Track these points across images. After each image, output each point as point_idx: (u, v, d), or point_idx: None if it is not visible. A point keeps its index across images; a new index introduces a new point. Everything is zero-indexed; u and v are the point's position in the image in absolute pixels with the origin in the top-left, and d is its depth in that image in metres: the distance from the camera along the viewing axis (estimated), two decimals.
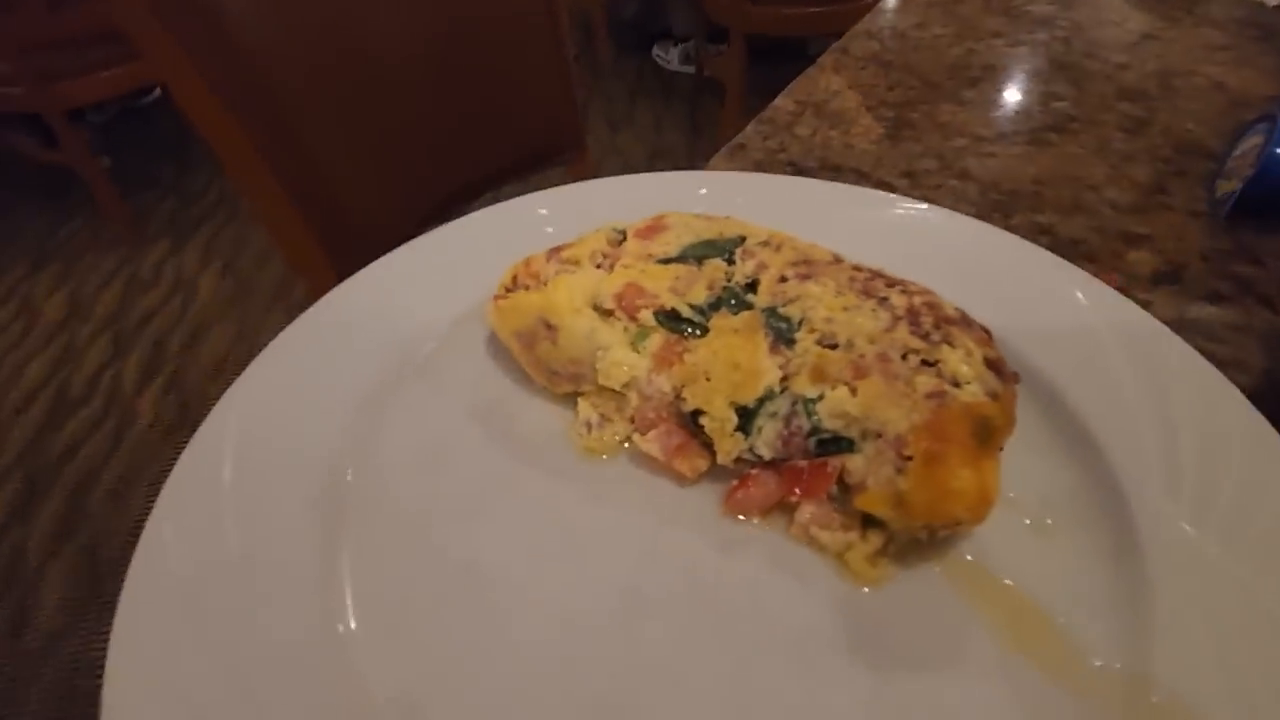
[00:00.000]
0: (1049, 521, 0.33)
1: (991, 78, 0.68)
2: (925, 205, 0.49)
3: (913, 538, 0.32)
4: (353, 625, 0.30)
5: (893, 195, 0.51)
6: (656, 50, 3.02)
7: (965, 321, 0.34)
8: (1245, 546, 0.30)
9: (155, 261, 2.25)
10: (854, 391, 0.32)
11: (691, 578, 0.32)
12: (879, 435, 0.31)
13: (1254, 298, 0.45)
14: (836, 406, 0.32)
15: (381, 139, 0.85)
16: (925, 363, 0.32)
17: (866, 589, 0.31)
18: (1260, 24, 0.76)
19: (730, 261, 0.39)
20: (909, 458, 0.30)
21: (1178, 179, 0.50)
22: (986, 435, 0.30)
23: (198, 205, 2.46)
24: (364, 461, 0.36)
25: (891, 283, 0.36)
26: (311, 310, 0.42)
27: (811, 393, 0.32)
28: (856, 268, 0.37)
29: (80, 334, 1.98)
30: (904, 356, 0.32)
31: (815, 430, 0.32)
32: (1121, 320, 0.40)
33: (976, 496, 0.29)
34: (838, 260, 0.38)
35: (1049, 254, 0.44)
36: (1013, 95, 0.65)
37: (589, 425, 0.38)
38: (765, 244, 0.40)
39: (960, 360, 0.31)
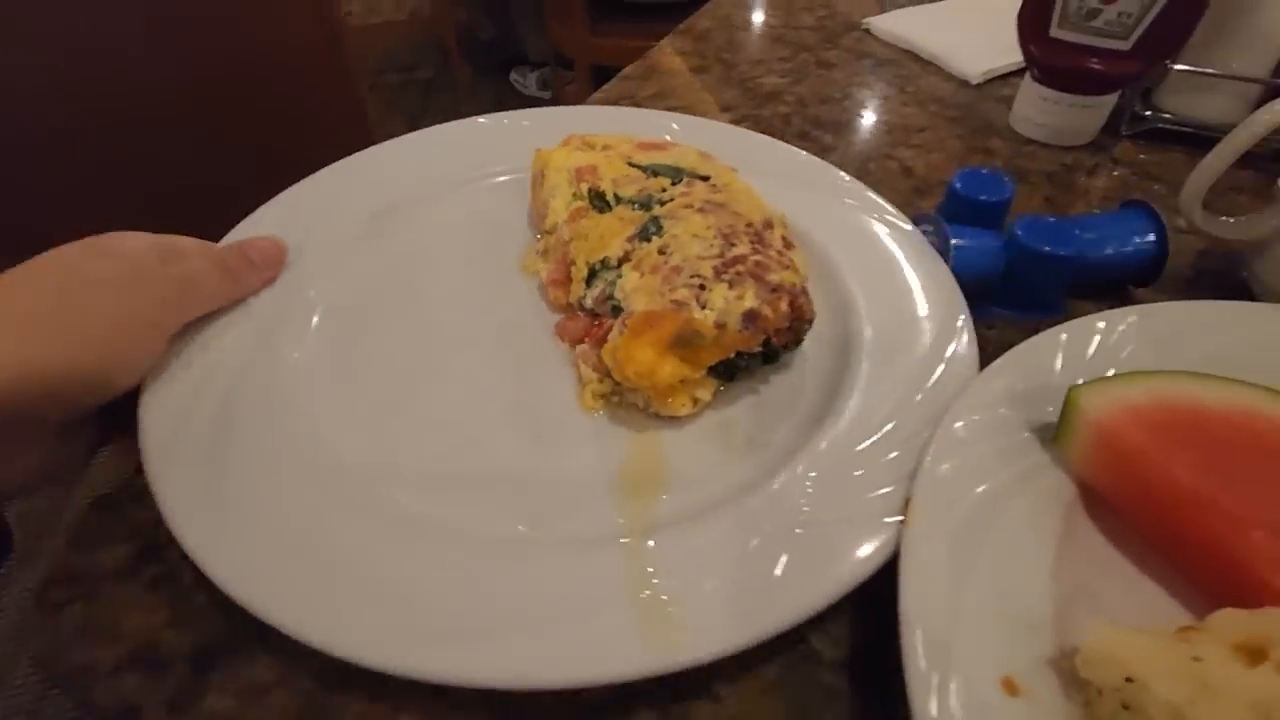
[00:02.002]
0: (736, 446, 0.37)
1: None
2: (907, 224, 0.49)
3: (633, 402, 0.38)
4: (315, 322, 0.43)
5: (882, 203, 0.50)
6: (514, 75, 2.79)
7: (778, 289, 0.38)
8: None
9: None
10: (640, 278, 0.40)
11: (511, 349, 0.43)
12: (630, 310, 0.39)
13: None
14: (625, 284, 0.40)
15: (139, 189, 0.61)
16: (701, 287, 0.38)
17: (588, 412, 0.39)
18: (959, 103, 0.68)
19: (675, 183, 0.47)
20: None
21: None
22: (687, 344, 0.37)
23: None
24: (408, 204, 0.50)
25: (757, 240, 0.41)
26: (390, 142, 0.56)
27: (625, 273, 0.41)
28: (750, 224, 0.42)
29: None
30: (692, 277, 0.38)
31: (610, 296, 0.41)
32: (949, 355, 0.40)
33: (647, 371, 0.36)
34: (750, 217, 0.43)
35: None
36: None
37: (535, 251, 0.49)
38: (713, 184, 0.46)
39: (723, 297, 0.37)
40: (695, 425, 0.39)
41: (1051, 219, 0.45)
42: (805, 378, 0.42)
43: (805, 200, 0.50)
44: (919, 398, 0.38)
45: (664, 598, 0.30)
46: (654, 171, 0.48)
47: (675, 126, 0.58)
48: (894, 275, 0.45)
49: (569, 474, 0.37)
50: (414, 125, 0.56)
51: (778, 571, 0.31)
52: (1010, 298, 0.46)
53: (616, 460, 0.37)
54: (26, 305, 0.32)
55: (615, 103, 0.69)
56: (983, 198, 0.47)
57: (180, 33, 0.65)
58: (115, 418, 0.36)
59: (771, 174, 0.51)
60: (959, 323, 0.41)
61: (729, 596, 0.30)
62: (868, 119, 0.67)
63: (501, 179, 0.54)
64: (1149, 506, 0.32)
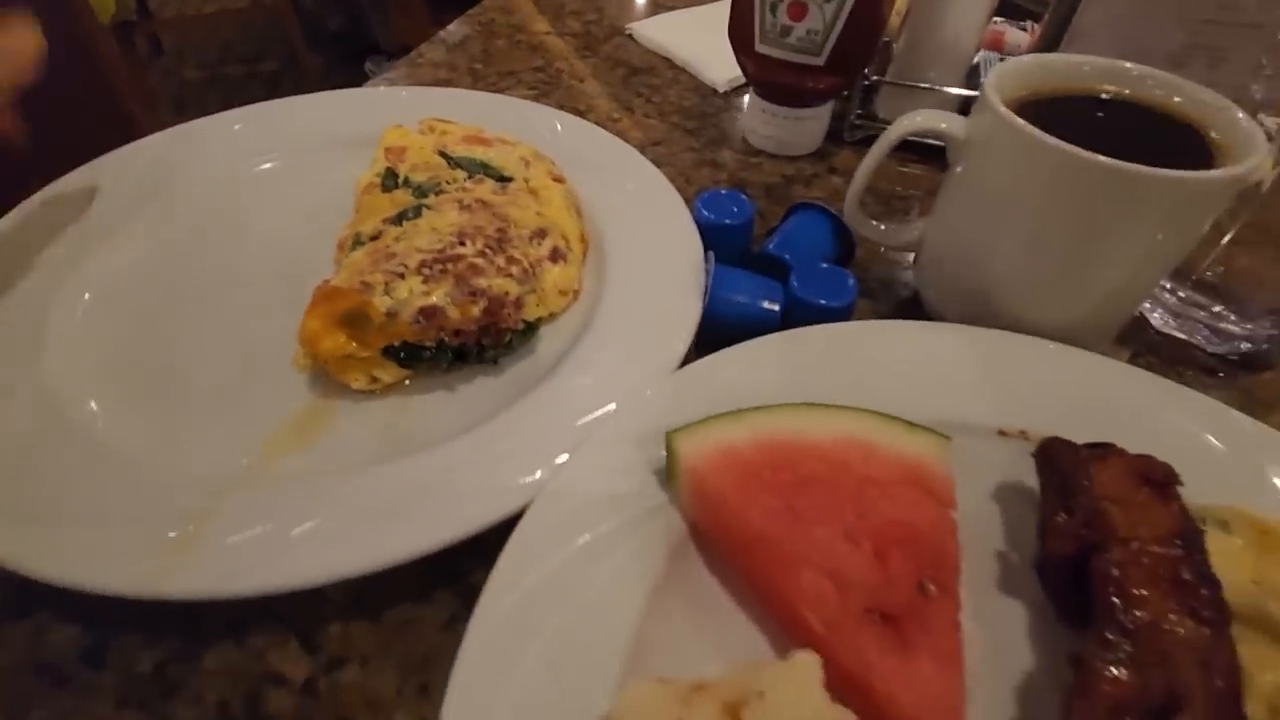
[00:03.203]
0: (396, 430, 0.36)
1: None
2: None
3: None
4: None
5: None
6: (369, 64, 2.47)
7: (478, 294, 0.37)
8: None
9: None
10: (361, 257, 0.39)
11: (279, 296, 0.42)
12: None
13: None
14: (350, 259, 0.39)
15: None
16: (400, 276, 0.36)
17: (296, 368, 0.39)
18: (701, 113, 0.64)
19: (470, 178, 0.45)
20: None
21: None
22: (358, 324, 0.36)
23: None
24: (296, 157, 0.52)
25: (496, 246, 0.40)
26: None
27: (358, 249, 0.40)
28: (503, 229, 0.41)
29: None
30: (400, 265, 0.37)
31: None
32: None
33: (312, 339, 0.36)
34: (516, 223, 0.42)
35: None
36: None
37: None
38: (507, 186, 0.45)
39: (409, 289, 0.36)
40: (378, 404, 0.37)
41: (824, 265, 0.42)
42: (508, 384, 0.38)
43: (635, 218, 0.47)
44: (587, 423, 0.34)
45: (194, 530, 0.30)
46: (457, 164, 0.46)
47: (558, 126, 0.55)
48: (649, 308, 0.40)
49: (241, 410, 0.36)
50: None
51: (302, 551, 0.29)
52: None
53: (289, 411, 0.36)
54: None
55: None
56: (727, 221, 0.44)
57: None
58: None
59: (618, 188, 0.49)
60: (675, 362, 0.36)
61: (247, 557, 0.29)
62: (610, 129, 0.59)
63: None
64: (733, 549, 0.30)
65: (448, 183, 0.44)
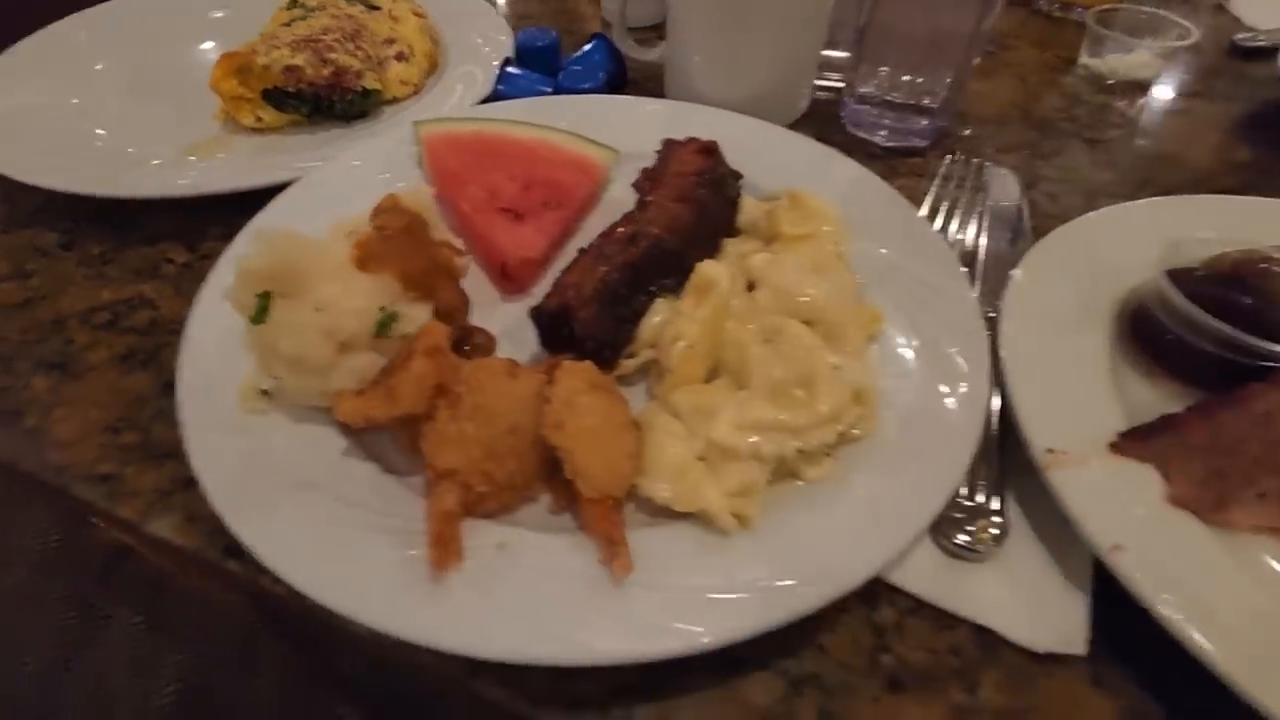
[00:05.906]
0: (274, 148, 0.55)
1: None
2: None
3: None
4: None
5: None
6: None
7: (328, 62, 0.54)
8: None
9: None
10: (258, 41, 0.55)
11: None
12: None
13: None
14: (247, 44, 0.56)
15: None
16: (275, 48, 0.54)
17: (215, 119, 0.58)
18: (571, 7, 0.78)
19: (350, 3, 0.63)
20: None
21: None
22: (243, 71, 0.53)
23: None
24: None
25: (350, 38, 0.57)
26: None
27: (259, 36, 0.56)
28: (359, 31, 0.59)
29: None
30: (279, 42, 0.55)
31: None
32: None
33: (215, 83, 0.54)
34: (369, 30, 0.60)
35: None
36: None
37: None
38: (372, 11, 0.63)
39: (281, 54, 0.53)
40: (263, 137, 0.57)
41: (579, 67, 0.60)
42: (355, 131, 0.57)
43: (473, 47, 0.65)
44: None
45: (137, 170, 0.49)
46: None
47: None
48: (460, 90, 0.60)
49: (180, 133, 0.56)
50: None
51: (199, 179, 0.50)
52: None
53: (207, 136, 0.56)
54: None
55: None
56: (538, 44, 0.62)
57: None
58: None
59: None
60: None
61: (165, 178, 0.49)
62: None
63: None
64: (442, 186, 0.47)
65: (330, 5, 0.61)
